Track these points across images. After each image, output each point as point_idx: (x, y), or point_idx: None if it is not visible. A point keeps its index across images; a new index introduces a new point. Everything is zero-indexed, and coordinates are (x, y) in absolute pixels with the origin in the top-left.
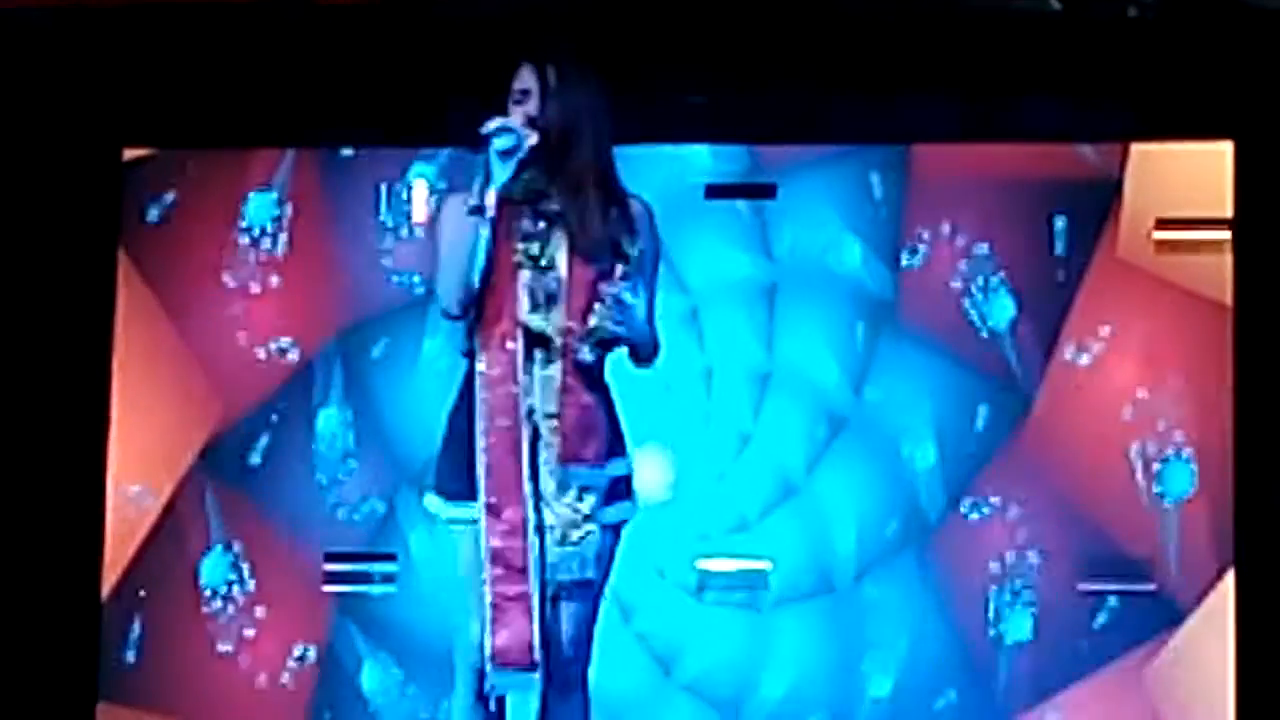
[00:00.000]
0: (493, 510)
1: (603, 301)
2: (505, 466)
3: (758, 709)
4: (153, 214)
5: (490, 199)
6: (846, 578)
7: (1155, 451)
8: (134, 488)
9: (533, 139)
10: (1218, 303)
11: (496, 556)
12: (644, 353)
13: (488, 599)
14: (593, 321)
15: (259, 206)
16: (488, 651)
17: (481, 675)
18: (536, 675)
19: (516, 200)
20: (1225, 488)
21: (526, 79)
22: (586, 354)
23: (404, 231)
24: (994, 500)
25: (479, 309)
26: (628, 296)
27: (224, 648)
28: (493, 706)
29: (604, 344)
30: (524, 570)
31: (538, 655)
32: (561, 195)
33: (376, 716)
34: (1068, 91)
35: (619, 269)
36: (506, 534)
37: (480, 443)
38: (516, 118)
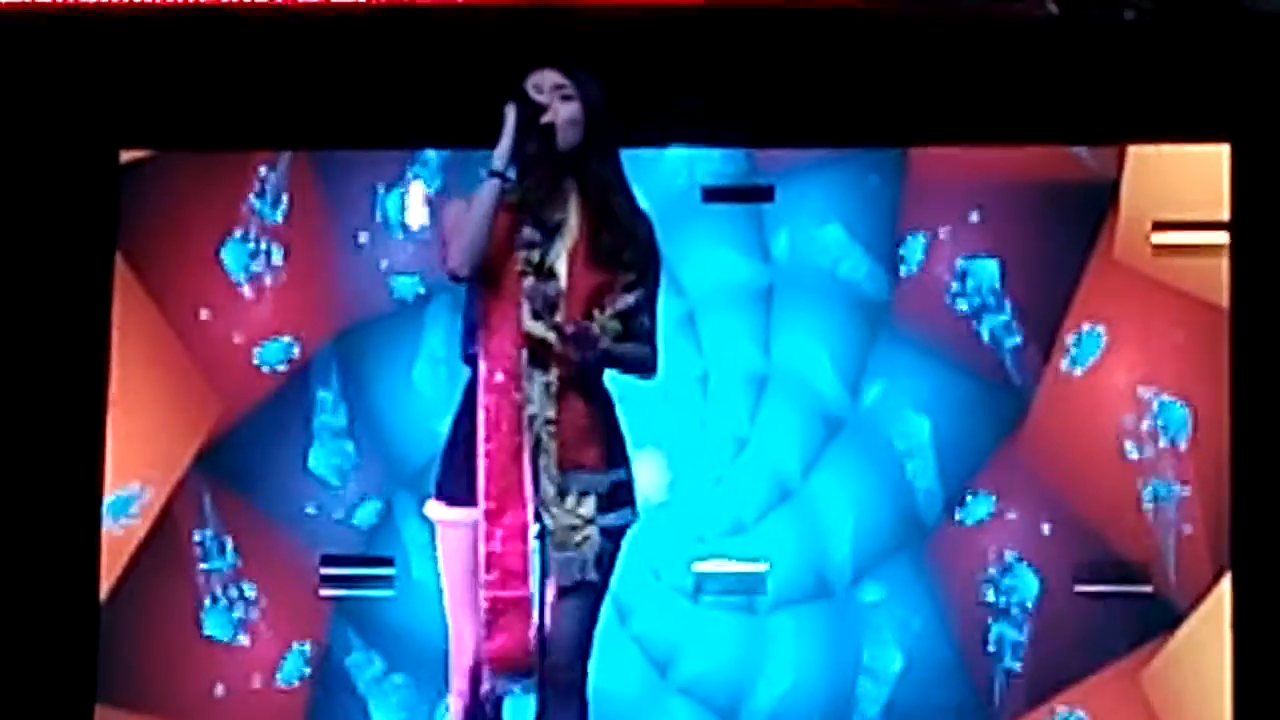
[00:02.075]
0: (492, 515)
1: (602, 311)
2: (506, 472)
3: (754, 712)
4: (150, 216)
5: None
6: (843, 580)
7: (1152, 454)
8: (131, 490)
9: (560, 124)
10: (1214, 305)
11: (494, 561)
12: (637, 368)
13: (483, 603)
14: (591, 330)
15: (256, 208)
16: (483, 656)
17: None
18: (532, 680)
19: (518, 207)
20: (1222, 490)
21: (561, 79)
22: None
23: (401, 234)
24: (991, 503)
25: (483, 316)
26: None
27: (221, 651)
28: (489, 710)
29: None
30: (523, 575)
31: (534, 660)
32: (581, 203)
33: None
34: (1064, 94)
35: (621, 279)
36: (505, 538)
37: (482, 449)
38: (559, 110)
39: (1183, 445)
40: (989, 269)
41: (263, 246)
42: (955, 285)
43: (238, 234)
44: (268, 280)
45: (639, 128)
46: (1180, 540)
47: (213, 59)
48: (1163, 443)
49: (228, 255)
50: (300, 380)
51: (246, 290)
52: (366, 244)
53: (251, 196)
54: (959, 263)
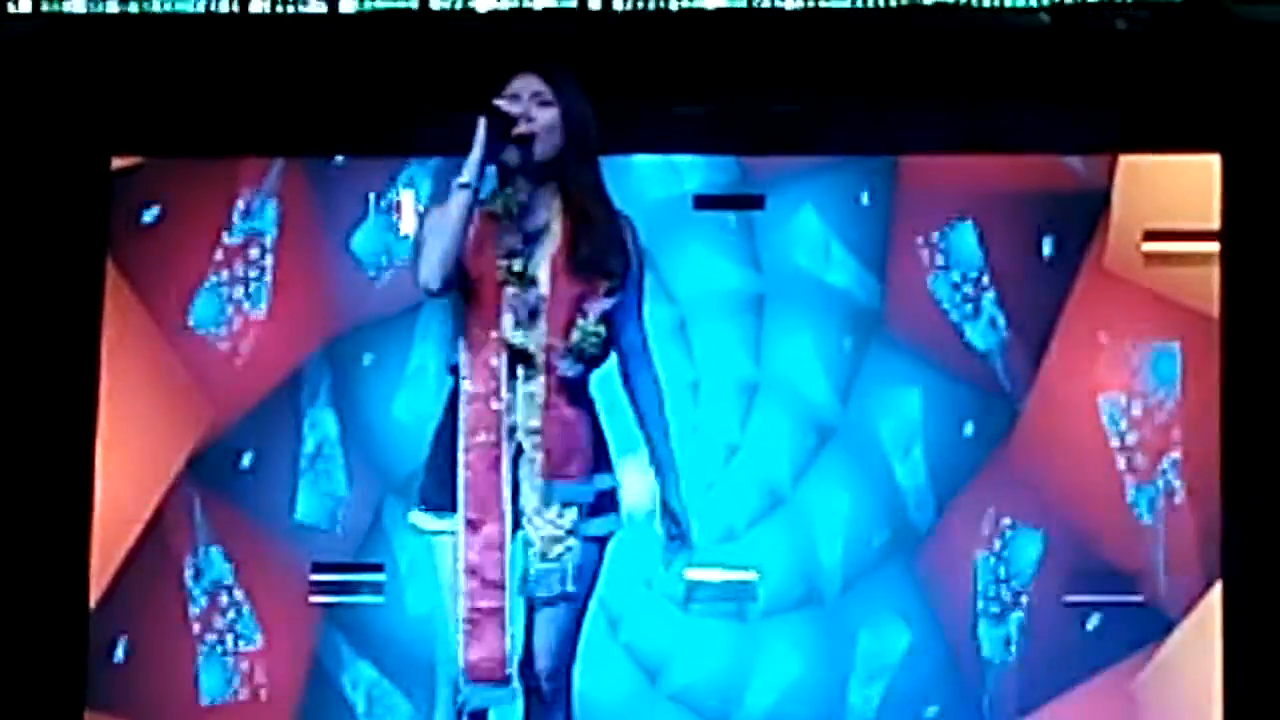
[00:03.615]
0: (472, 525)
1: (585, 317)
2: (485, 482)
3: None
4: (141, 222)
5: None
6: (833, 588)
7: (1143, 463)
8: (122, 496)
9: (538, 132)
10: (1206, 314)
11: (472, 570)
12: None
13: (462, 613)
14: (574, 337)
15: (248, 215)
16: (461, 665)
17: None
18: (508, 690)
19: (498, 215)
20: (1213, 500)
21: (540, 85)
22: (568, 370)
23: (392, 241)
24: (981, 511)
25: (464, 325)
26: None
27: (211, 657)
28: None
29: (587, 361)
30: (499, 585)
31: (510, 670)
32: (564, 209)
33: None
34: (1056, 103)
35: (603, 285)
36: (484, 548)
37: (462, 458)
38: (538, 117)
39: (1174, 454)
40: (980, 277)
41: (253, 253)
42: (946, 293)
43: (228, 241)
44: (258, 287)
45: (631, 135)
46: (1171, 549)
47: (205, 65)
48: (1153, 451)
49: (218, 261)
50: (291, 386)
51: (237, 296)
52: (357, 251)
53: (242, 203)
54: (949, 271)
